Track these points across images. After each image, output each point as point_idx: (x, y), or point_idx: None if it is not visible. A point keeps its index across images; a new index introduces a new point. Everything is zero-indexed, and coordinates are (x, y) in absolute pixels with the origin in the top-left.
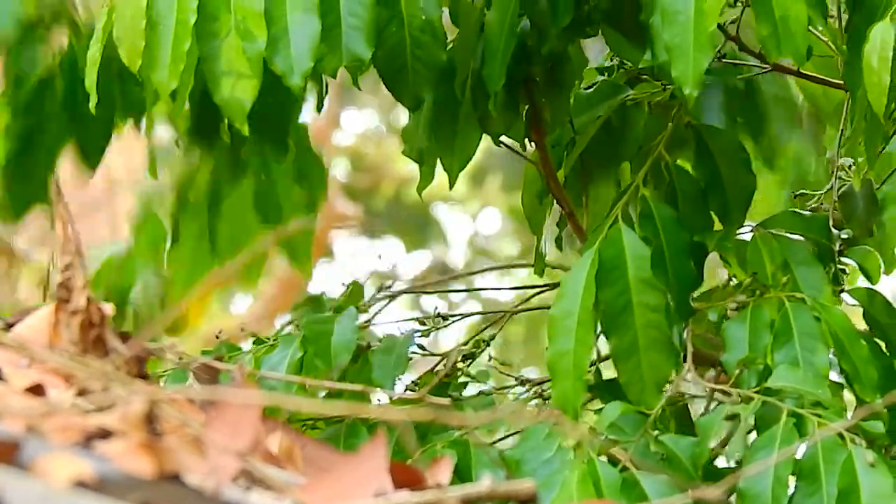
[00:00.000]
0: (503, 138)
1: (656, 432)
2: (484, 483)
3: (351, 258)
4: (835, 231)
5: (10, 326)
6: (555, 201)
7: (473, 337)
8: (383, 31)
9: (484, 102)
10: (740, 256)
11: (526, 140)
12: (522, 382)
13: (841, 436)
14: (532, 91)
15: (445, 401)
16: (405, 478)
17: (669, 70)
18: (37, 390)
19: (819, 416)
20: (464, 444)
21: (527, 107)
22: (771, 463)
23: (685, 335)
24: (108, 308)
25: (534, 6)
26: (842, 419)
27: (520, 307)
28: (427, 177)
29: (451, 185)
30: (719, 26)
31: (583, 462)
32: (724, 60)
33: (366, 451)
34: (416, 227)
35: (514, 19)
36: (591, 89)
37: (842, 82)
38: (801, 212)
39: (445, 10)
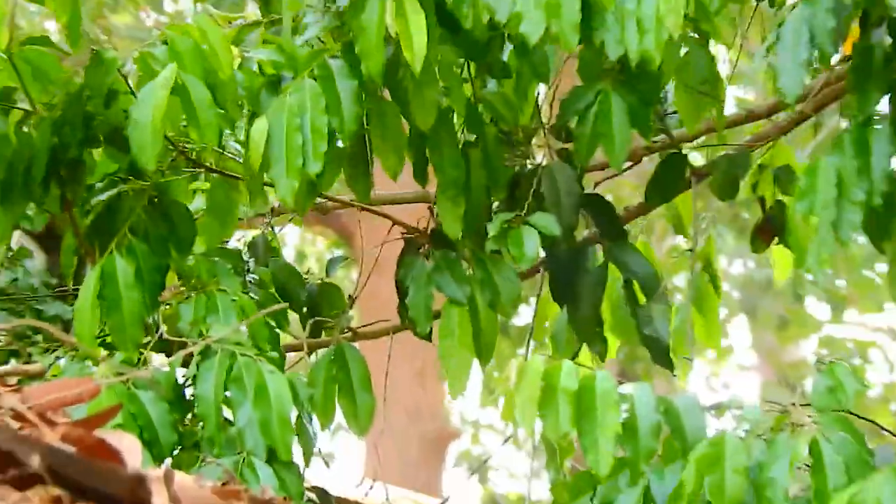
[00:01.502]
0: None
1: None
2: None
3: None
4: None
5: None
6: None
7: None
8: None
9: (32, 185)
10: (190, 271)
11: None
12: None
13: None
14: (63, 181)
15: None
16: None
17: (138, 158)
18: None
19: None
20: None
21: (59, 191)
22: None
23: (157, 317)
24: None
25: (61, 130)
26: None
27: None
28: None
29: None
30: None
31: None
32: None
33: None
34: None
35: (49, 139)
36: (103, 182)
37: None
38: (227, 248)
39: None
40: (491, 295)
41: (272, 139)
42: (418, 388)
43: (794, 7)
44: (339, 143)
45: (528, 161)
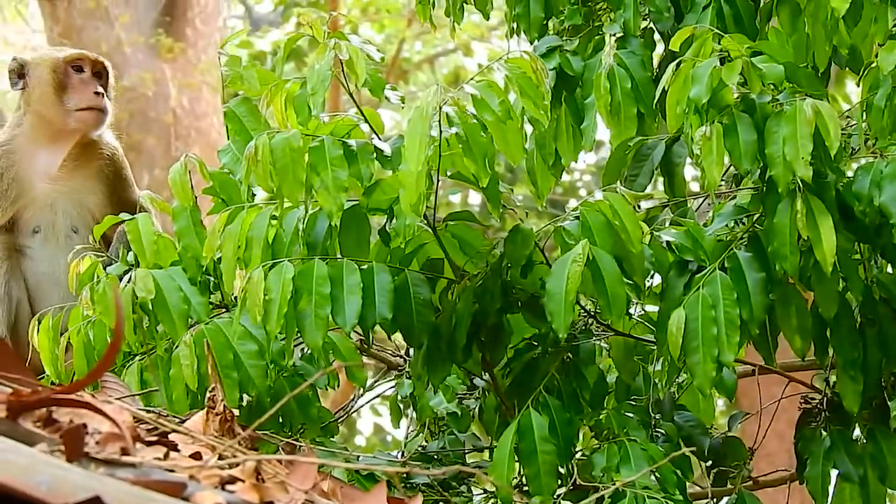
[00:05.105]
0: None
1: None
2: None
3: None
4: None
5: (182, 422)
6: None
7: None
8: (399, 304)
9: (455, 349)
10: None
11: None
12: None
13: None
14: (483, 344)
15: None
16: None
17: (552, 325)
18: (196, 456)
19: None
20: None
21: (481, 354)
22: None
23: (572, 466)
24: (235, 411)
25: (482, 298)
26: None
27: None
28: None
29: (434, 391)
30: None
31: None
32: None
33: (374, 490)
34: None
35: (471, 306)
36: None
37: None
38: (634, 404)
39: None
40: (880, 469)
41: (689, 330)
42: None
43: None
44: None
45: None
